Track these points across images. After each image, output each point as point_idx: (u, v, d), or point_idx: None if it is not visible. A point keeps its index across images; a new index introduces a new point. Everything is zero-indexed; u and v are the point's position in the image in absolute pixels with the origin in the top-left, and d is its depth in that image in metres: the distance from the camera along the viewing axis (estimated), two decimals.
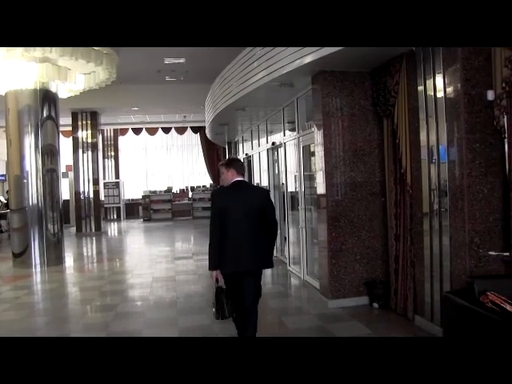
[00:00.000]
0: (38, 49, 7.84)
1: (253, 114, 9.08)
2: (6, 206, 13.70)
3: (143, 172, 21.60)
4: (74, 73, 9.42)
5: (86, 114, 15.34)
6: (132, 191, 21.04)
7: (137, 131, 20.71)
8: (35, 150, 9.32)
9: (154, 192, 20.24)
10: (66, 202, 15.07)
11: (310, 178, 7.11)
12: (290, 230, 8.48)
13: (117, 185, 19.84)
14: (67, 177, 16.67)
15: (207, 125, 12.00)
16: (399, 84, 5.05)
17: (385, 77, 5.35)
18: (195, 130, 20.83)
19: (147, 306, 6.30)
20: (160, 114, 17.60)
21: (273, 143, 8.97)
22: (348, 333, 4.84)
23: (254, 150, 10.98)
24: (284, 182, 8.48)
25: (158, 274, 8.42)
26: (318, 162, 5.90)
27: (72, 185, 15.99)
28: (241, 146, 13.05)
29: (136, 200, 20.85)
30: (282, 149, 8.33)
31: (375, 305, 5.62)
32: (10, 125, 9.43)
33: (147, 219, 19.61)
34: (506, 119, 4.01)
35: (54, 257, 9.59)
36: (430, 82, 4.56)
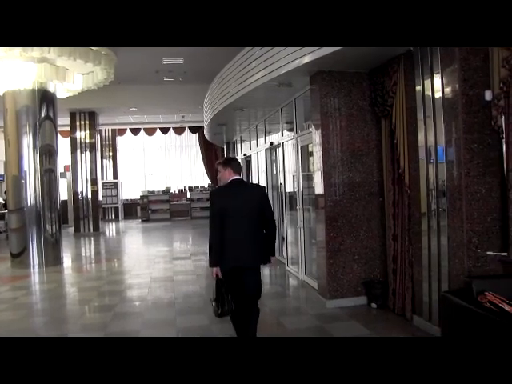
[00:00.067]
0: (36, 49, 7.83)
1: (251, 114, 9.08)
2: (4, 206, 13.67)
3: (141, 172, 21.57)
4: (72, 73, 9.42)
5: (84, 114, 15.32)
6: (130, 191, 21.01)
7: (135, 131, 20.68)
8: (33, 151, 9.30)
9: (152, 192, 20.21)
10: (64, 202, 15.05)
11: (308, 178, 7.12)
12: (288, 231, 8.47)
13: (115, 185, 19.85)
14: (65, 177, 16.66)
15: (205, 125, 11.99)
16: (397, 84, 5.05)
17: (383, 77, 5.35)
18: (193, 130, 20.82)
19: (145, 306, 6.29)
20: (158, 115, 17.59)
21: (271, 143, 8.97)
22: (346, 333, 4.84)
23: (253, 151, 10.98)
24: (282, 182, 8.49)
25: (156, 274, 8.41)
26: (316, 162, 5.91)
27: (70, 185, 15.97)
28: (239, 146, 13.05)
29: (134, 200, 20.83)
30: (280, 149, 8.34)
31: (373, 305, 5.62)
32: (8, 125, 9.41)
33: (145, 219, 19.58)
34: (503, 119, 4.02)
35: (52, 257, 9.58)
36: (427, 83, 4.57)
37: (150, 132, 20.74)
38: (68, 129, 15.55)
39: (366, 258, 5.80)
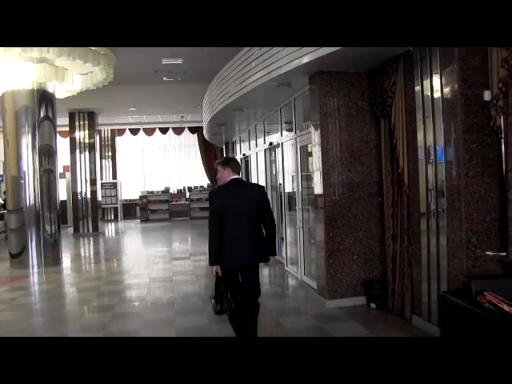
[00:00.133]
0: (36, 49, 7.82)
1: (250, 114, 9.08)
2: (3, 206, 13.65)
3: (140, 172, 21.55)
4: (71, 73, 9.41)
5: (84, 115, 15.32)
6: (129, 192, 20.98)
7: (134, 132, 20.67)
8: (32, 151, 9.30)
9: (152, 192, 20.21)
10: (64, 202, 15.06)
11: (307, 178, 7.12)
12: (288, 231, 8.47)
13: (114, 185, 19.84)
14: (64, 177, 16.65)
15: (205, 125, 11.99)
16: (396, 84, 5.06)
17: (382, 77, 5.36)
18: (193, 130, 20.81)
19: (145, 306, 6.29)
20: (157, 115, 17.59)
21: (270, 143, 8.97)
22: (345, 333, 4.84)
23: (252, 151, 10.98)
24: (281, 182, 8.49)
25: (155, 274, 8.41)
26: (316, 162, 5.91)
27: (69, 185, 15.96)
28: (238, 146, 13.04)
29: (133, 200, 20.82)
30: (280, 149, 8.34)
31: (372, 305, 5.62)
32: (7, 125, 9.41)
33: (144, 220, 19.57)
34: (502, 119, 4.02)
35: (51, 257, 9.57)
36: (426, 83, 4.57)
37: (149, 132, 20.73)
38: (67, 129, 15.55)
39: (366, 258, 5.80)
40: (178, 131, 20.97)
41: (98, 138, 16.27)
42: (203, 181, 21.30)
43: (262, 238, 4.17)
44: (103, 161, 20.30)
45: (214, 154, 20.68)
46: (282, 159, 8.26)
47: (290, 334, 4.94)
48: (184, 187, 20.98)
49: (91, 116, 15.40)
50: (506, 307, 3.43)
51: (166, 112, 16.78)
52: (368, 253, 5.80)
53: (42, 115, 9.39)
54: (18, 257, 9.44)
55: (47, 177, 9.53)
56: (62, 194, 13.44)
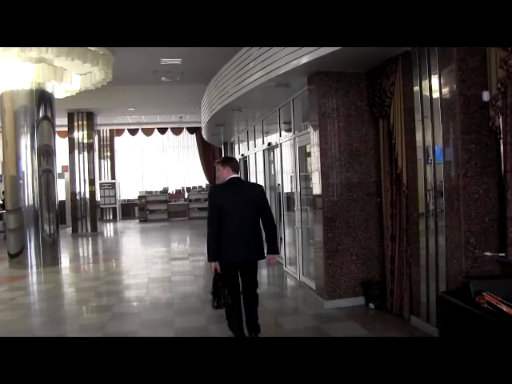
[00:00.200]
0: (34, 49, 7.81)
1: (249, 114, 9.08)
2: (2, 206, 13.64)
3: (139, 173, 21.52)
4: (70, 73, 9.39)
5: (82, 115, 15.30)
6: (128, 192, 20.95)
7: (133, 132, 20.65)
8: (31, 151, 9.29)
9: (150, 193, 20.18)
10: (62, 202, 15.03)
11: (305, 178, 7.12)
12: (286, 231, 8.47)
13: (113, 185, 19.81)
14: (63, 177, 16.63)
15: (203, 125, 11.98)
16: (395, 85, 5.06)
17: (380, 78, 5.36)
18: (191, 130, 20.79)
19: (143, 306, 6.28)
20: (156, 115, 17.57)
21: (269, 144, 8.97)
22: (344, 333, 4.84)
23: (250, 151, 10.98)
24: (280, 182, 8.49)
25: (153, 274, 8.41)
26: (314, 162, 5.91)
27: (68, 185, 15.94)
28: (237, 146, 13.04)
29: (132, 201, 20.80)
30: (278, 149, 8.34)
31: (371, 305, 5.62)
32: (5, 125, 9.40)
33: (143, 220, 19.55)
34: (501, 120, 4.03)
35: (50, 257, 9.56)
36: (425, 83, 4.58)
37: (148, 132, 20.71)
38: (66, 129, 15.52)
39: (364, 259, 5.80)
40: (177, 131, 20.96)
41: (96, 138, 16.25)
42: (202, 181, 21.28)
43: (261, 235, 4.31)
44: (102, 161, 20.25)
45: (212, 155, 20.66)
46: (280, 159, 8.26)
47: (288, 334, 4.94)
48: (183, 187, 20.96)
49: (90, 116, 15.38)
50: (504, 308, 3.44)
51: (165, 112, 16.76)
52: (367, 253, 5.81)
53: (40, 115, 9.37)
54: (17, 257, 9.42)
55: (46, 177, 9.52)
56: (61, 194, 13.43)
